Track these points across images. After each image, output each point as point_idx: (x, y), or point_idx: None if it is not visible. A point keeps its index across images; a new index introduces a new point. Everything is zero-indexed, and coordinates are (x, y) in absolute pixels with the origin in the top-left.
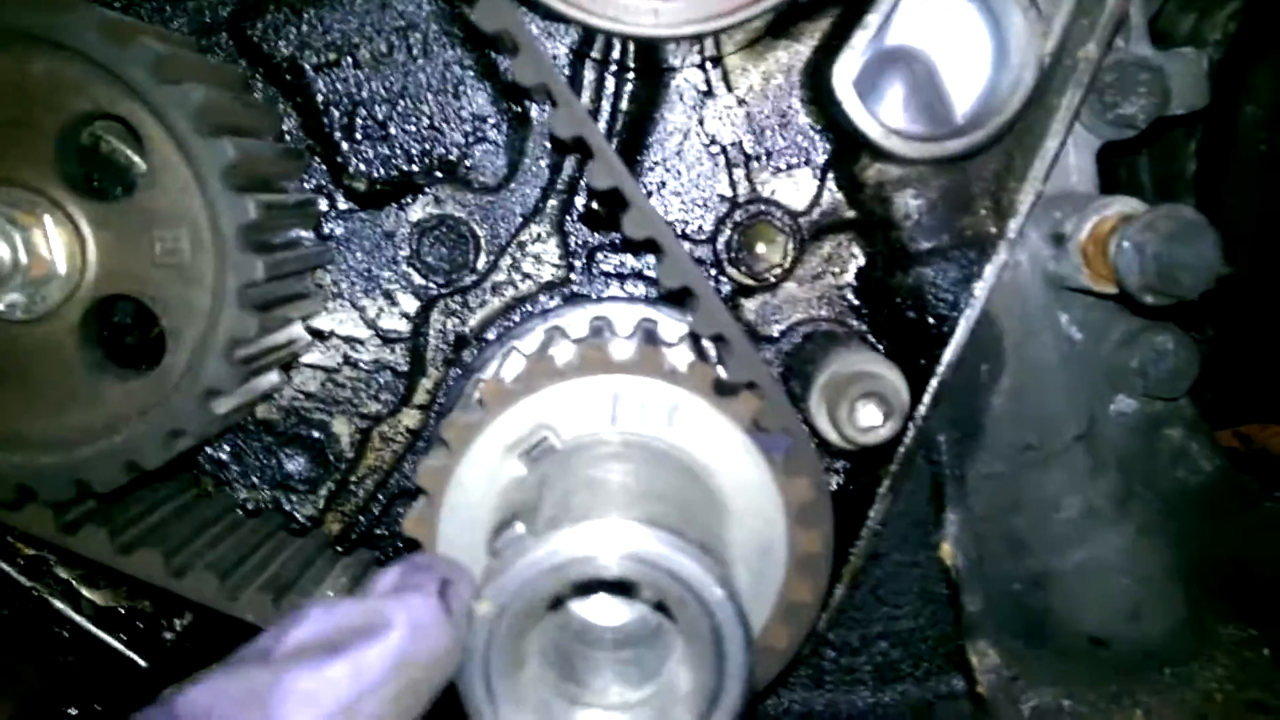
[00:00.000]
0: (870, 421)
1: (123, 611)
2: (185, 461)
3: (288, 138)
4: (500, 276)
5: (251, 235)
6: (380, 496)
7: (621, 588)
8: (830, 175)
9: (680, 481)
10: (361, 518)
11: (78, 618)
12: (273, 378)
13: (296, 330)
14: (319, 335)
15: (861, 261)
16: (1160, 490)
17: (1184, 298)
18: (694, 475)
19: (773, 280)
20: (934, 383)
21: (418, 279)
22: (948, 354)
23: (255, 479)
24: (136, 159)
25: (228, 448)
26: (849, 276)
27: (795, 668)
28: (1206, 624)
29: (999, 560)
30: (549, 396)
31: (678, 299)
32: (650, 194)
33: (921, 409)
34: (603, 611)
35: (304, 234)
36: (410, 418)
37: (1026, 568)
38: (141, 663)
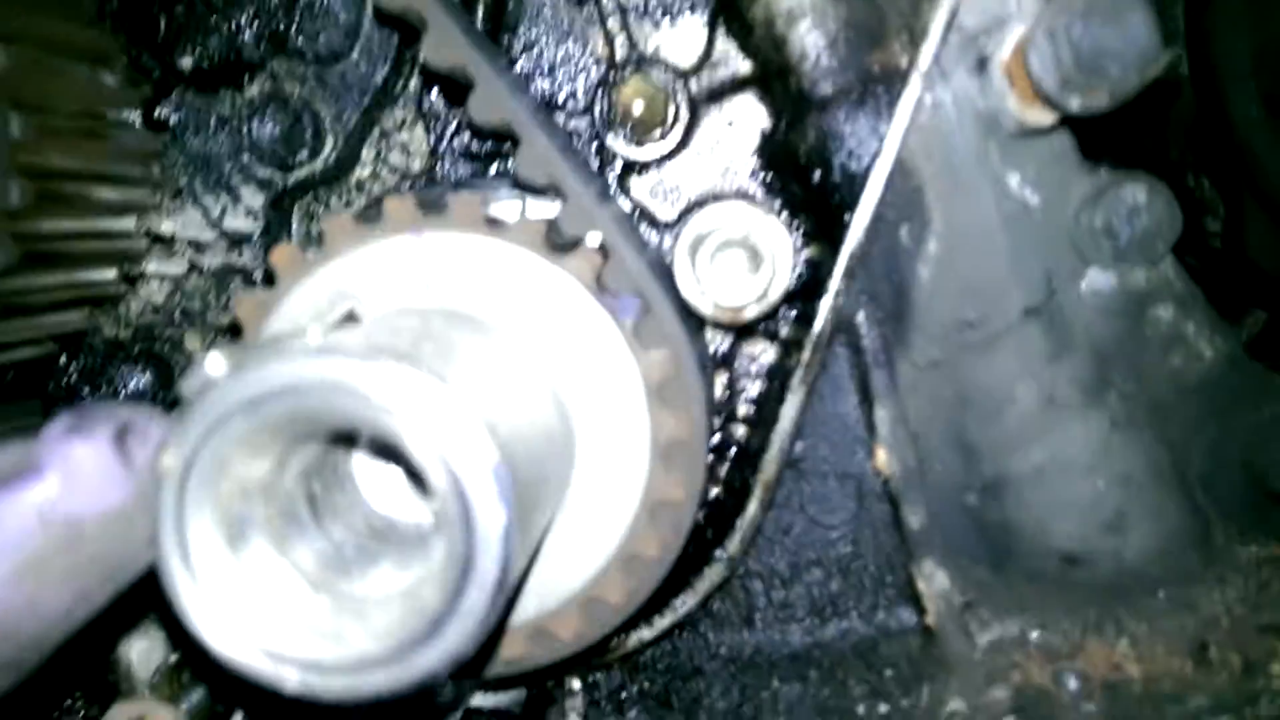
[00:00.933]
0: (735, 275)
1: None
2: (34, 388)
3: (108, 21)
4: (365, 171)
5: (6, 89)
6: None
7: (346, 439)
8: (720, 23)
9: (486, 349)
10: None
11: None
12: (104, 275)
13: (123, 224)
14: (162, 240)
15: (765, 124)
16: (1150, 382)
17: (1118, 95)
18: (514, 344)
19: (664, 153)
20: (845, 250)
21: (260, 170)
22: (859, 214)
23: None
24: None
25: (74, 367)
26: (752, 143)
27: (713, 598)
28: (1216, 540)
29: (947, 468)
30: (353, 262)
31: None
32: (516, 63)
33: (834, 283)
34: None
35: (126, 116)
36: None
37: (980, 474)
38: None
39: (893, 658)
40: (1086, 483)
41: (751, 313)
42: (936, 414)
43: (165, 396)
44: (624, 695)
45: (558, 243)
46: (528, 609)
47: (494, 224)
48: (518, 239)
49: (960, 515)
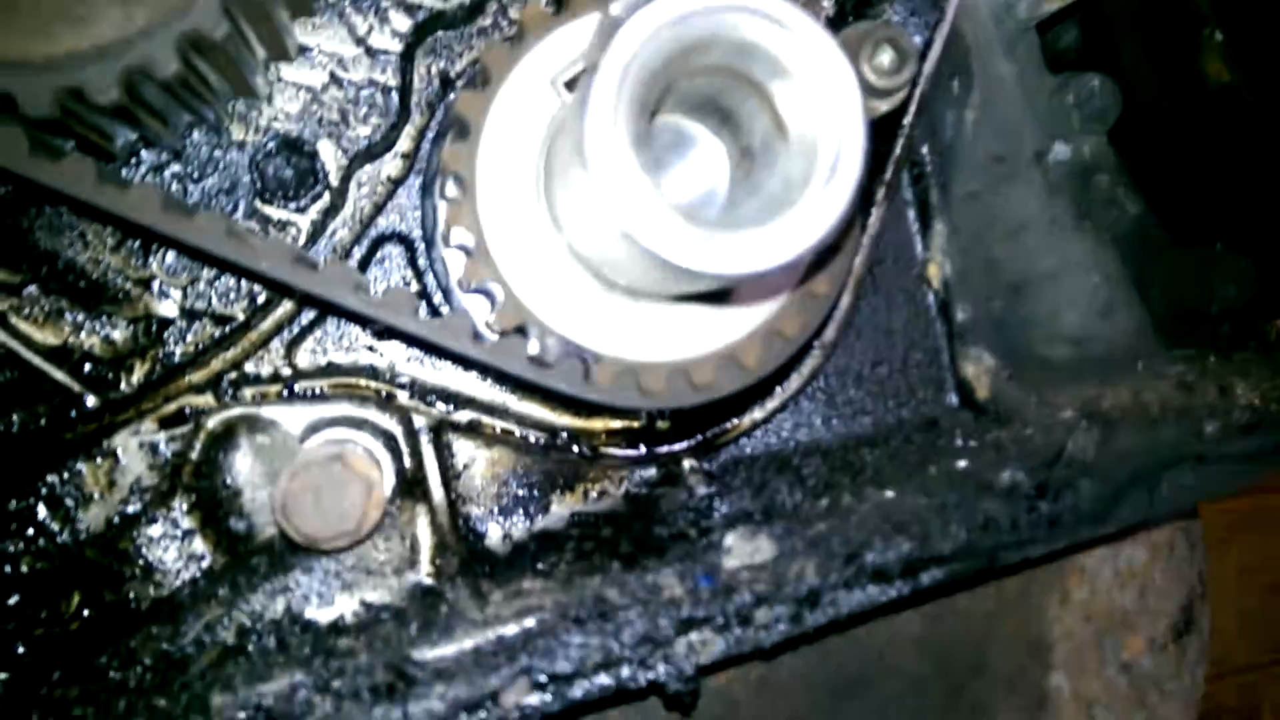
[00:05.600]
0: (887, 64)
1: (71, 351)
2: None
3: None
4: (486, 22)
5: None
6: (360, 244)
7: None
8: None
9: None
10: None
11: (22, 349)
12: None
13: (285, 18)
14: (302, 50)
15: (830, 9)
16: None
17: None
18: None
19: None
20: (916, 92)
21: None
22: (927, 65)
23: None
24: None
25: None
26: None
27: (801, 397)
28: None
29: (979, 282)
30: (595, 23)
31: None
32: None
33: (908, 118)
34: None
35: None
36: (393, 166)
37: (1003, 283)
38: (90, 400)
39: (953, 429)
40: (1085, 278)
41: (885, 105)
42: (973, 239)
43: (300, 198)
44: (728, 478)
45: None
46: (717, 340)
47: None
48: None
49: (989, 321)
